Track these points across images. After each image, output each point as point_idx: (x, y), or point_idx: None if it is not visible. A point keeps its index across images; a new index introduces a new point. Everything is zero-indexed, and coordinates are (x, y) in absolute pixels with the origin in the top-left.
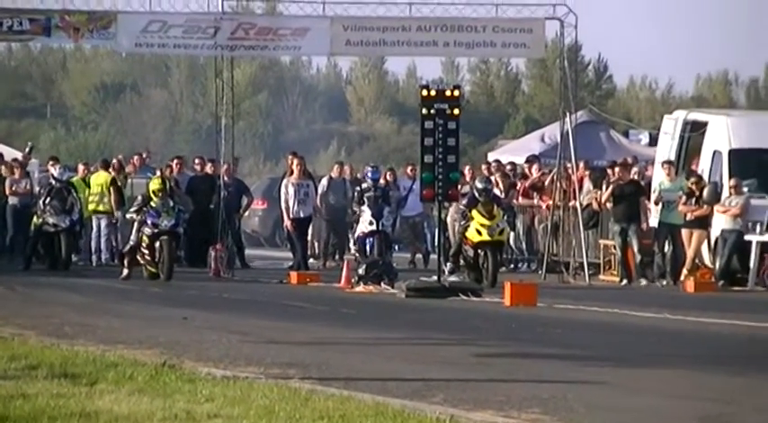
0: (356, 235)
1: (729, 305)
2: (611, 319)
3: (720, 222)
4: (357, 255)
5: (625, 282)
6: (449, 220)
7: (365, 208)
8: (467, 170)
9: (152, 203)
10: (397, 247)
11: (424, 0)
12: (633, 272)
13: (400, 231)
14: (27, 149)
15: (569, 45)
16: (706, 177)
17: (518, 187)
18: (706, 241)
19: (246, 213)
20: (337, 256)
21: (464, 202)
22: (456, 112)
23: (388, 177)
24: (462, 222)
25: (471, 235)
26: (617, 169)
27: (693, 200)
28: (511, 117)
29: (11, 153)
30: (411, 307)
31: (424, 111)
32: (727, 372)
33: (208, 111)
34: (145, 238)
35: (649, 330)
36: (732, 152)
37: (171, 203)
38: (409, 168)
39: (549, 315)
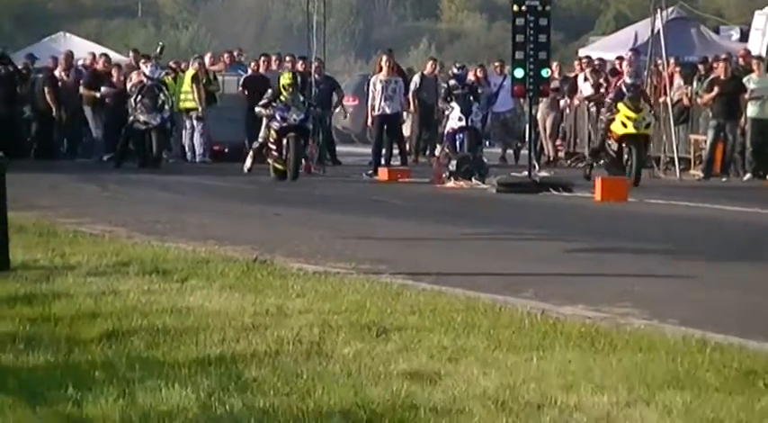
0: (446, 131)
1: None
2: (702, 214)
3: None
4: (447, 151)
5: (702, 176)
6: (539, 115)
7: (454, 104)
8: (554, 66)
9: (281, 98)
10: (487, 143)
11: None
12: (719, 167)
13: (491, 127)
14: (158, 49)
15: None
16: None
17: (611, 84)
18: None
19: (338, 110)
20: (428, 153)
21: (611, 95)
22: (547, 8)
23: (478, 74)
24: (608, 115)
25: (616, 127)
26: (720, 64)
27: None
28: (601, 13)
29: (101, 52)
30: (502, 202)
31: (515, 7)
32: None
33: (299, 8)
34: (272, 132)
35: (741, 226)
36: None
37: (301, 98)
38: (500, 65)
39: (639, 210)
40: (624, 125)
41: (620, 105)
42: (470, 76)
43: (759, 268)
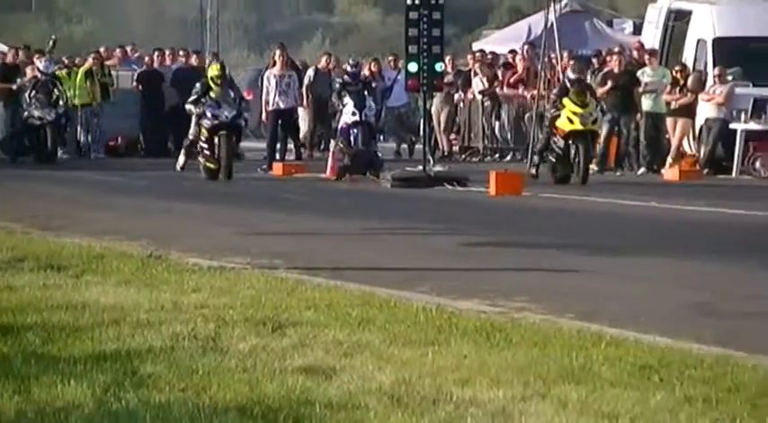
0: (340, 126)
1: (715, 193)
2: (597, 208)
3: (705, 111)
4: (342, 146)
5: (596, 170)
6: (433, 110)
7: (347, 99)
8: (448, 60)
9: (211, 93)
10: (382, 138)
11: None
12: (612, 161)
13: (385, 122)
14: (50, 43)
15: None
16: (690, 66)
17: (504, 78)
18: (691, 129)
19: None
20: (323, 147)
21: (555, 90)
22: (440, 1)
23: (372, 68)
24: (552, 111)
25: (562, 124)
26: (614, 58)
27: (678, 89)
28: (495, 7)
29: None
30: (397, 197)
31: (409, 1)
32: (717, 260)
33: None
34: (204, 131)
35: (637, 219)
36: (716, 40)
37: (231, 94)
38: (394, 59)
39: (534, 204)
40: (570, 121)
41: (565, 101)
42: (365, 71)
43: (654, 262)
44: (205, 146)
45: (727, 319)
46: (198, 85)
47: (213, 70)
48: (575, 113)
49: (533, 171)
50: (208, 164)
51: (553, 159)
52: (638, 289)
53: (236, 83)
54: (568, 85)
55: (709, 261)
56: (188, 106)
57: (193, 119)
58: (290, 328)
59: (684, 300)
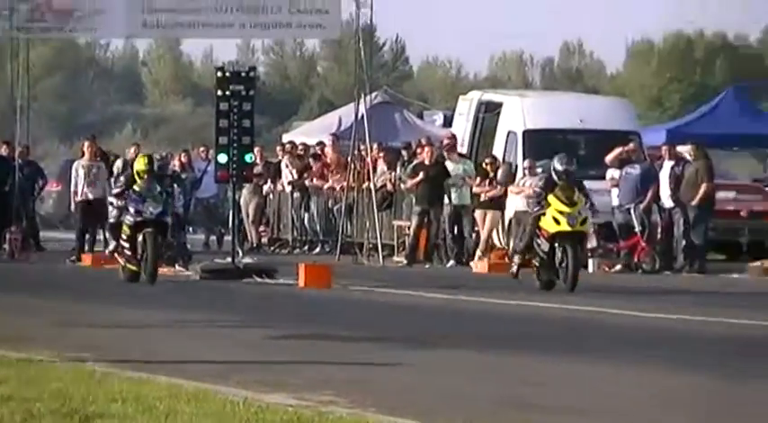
0: None
1: (524, 286)
2: (406, 301)
3: (514, 203)
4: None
5: (405, 263)
6: (242, 201)
7: None
8: (256, 151)
9: (135, 187)
10: (191, 229)
11: None
12: (422, 254)
13: (194, 213)
14: None
15: (364, 26)
16: (500, 158)
17: (312, 168)
18: (500, 222)
19: (41, 196)
20: None
21: (540, 184)
22: (251, 93)
23: (182, 159)
24: (536, 209)
25: (547, 224)
26: (425, 149)
27: (488, 181)
28: (306, 98)
29: None
30: (206, 288)
31: (220, 92)
32: (526, 352)
33: (3, 92)
34: (125, 228)
35: (444, 311)
36: (526, 133)
37: (158, 188)
38: (204, 150)
39: (343, 297)
40: (557, 221)
41: (551, 198)
42: (174, 162)
43: (464, 354)
44: (126, 245)
45: (535, 413)
46: (122, 178)
47: (140, 164)
48: (561, 213)
49: (514, 271)
50: (129, 265)
51: (536, 263)
52: (447, 381)
53: (164, 176)
54: (555, 177)
55: (520, 354)
56: (110, 199)
57: (113, 211)
58: (97, 421)
59: (493, 393)
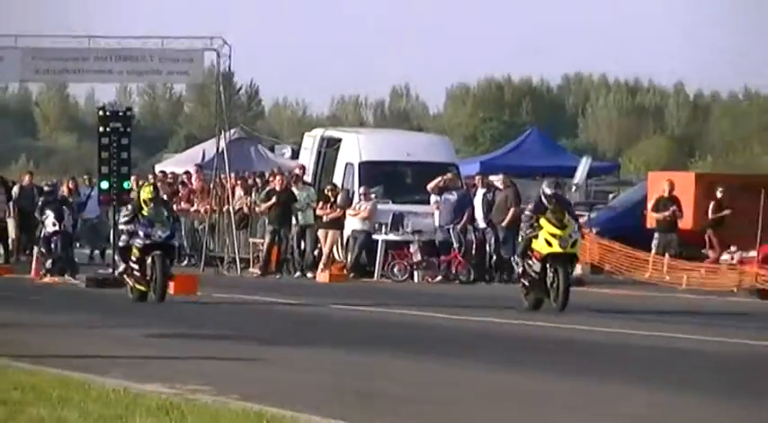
0: (43, 234)
1: (360, 293)
2: (261, 307)
3: (352, 223)
4: (44, 251)
5: (259, 274)
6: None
7: (49, 212)
8: (132, 179)
9: (144, 213)
10: (78, 245)
11: (101, 34)
12: (274, 266)
13: (81, 232)
14: None
15: (224, 72)
16: (340, 185)
17: (180, 194)
18: (339, 239)
19: None
20: (28, 252)
21: (530, 207)
22: (128, 129)
23: (70, 185)
24: (528, 231)
25: (539, 246)
26: (278, 177)
27: (329, 204)
28: (174, 133)
29: None
30: (91, 295)
31: (101, 128)
32: (375, 351)
33: None
34: (135, 250)
35: (295, 315)
36: (362, 164)
37: (165, 213)
38: (88, 177)
39: (208, 302)
40: (549, 243)
41: (543, 221)
42: (63, 188)
43: (316, 352)
44: (135, 266)
45: (377, 401)
46: (129, 206)
47: (146, 192)
48: (554, 235)
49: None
50: (138, 285)
51: (527, 283)
52: (301, 376)
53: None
54: (545, 201)
55: (364, 353)
56: (120, 226)
57: (122, 236)
58: (1, 407)
59: (343, 387)
